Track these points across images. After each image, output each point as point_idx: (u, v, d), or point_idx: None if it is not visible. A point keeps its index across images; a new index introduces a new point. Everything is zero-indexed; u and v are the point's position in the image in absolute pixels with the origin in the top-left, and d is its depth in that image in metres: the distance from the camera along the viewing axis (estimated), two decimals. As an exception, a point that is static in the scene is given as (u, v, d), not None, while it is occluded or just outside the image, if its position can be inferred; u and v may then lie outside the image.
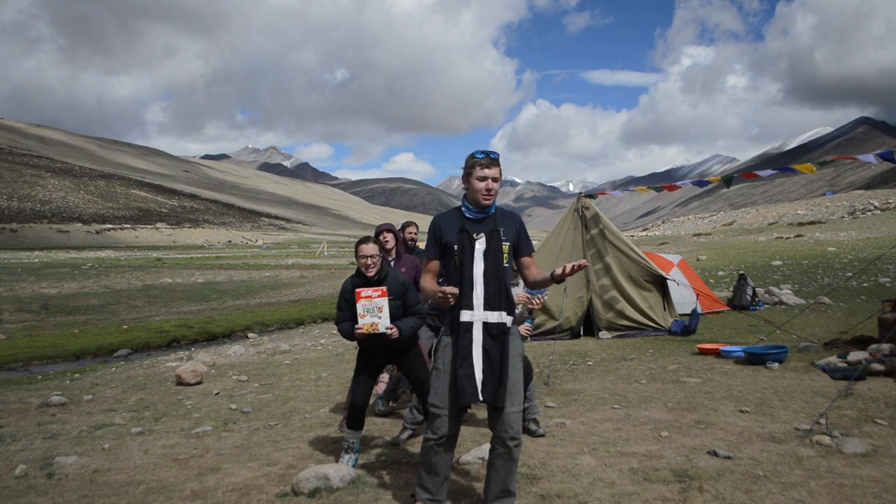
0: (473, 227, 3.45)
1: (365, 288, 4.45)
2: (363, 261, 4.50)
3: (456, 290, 3.31)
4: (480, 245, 3.42)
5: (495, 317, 3.39)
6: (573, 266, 3.32)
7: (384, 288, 4.46)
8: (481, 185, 3.38)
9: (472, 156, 3.41)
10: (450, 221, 3.51)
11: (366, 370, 4.69)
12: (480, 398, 3.33)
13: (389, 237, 5.77)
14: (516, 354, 3.49)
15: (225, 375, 8.83)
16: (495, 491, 3.46)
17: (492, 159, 3.39)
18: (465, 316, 3.38)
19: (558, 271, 3.36)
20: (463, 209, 3.51)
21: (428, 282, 3.55)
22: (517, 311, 4.95)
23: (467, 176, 3.42)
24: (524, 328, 5.56)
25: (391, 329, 4.43)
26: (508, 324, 3.43)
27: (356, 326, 4.44)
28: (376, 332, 4.40)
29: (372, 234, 5.48)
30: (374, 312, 4.40)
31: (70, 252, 61.74)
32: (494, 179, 3.39)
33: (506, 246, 3.45)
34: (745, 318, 11.43)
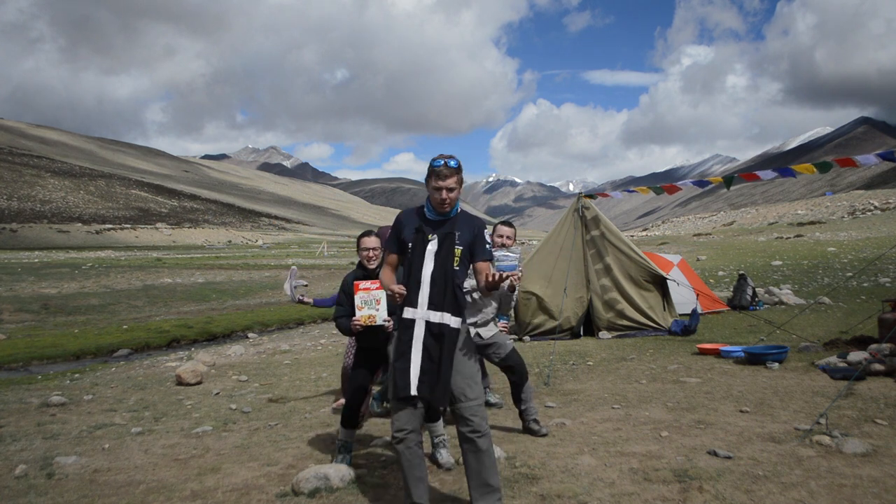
0: (430, 227, 3.52)
1: (363, 280, 4.46)
2: (365, 253, 4.66)
3: (404, 291, 3.42)
4: (432, 246, 3.48)
5: (437, 317, 3.43)
6: (507, 275, 3.34)
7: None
8: (437, 195, 3.46)
9: (432, 163, 3.45)
10: (410, 219, 3.58)
11: (363, 367, 4.68)
12: (413, 392, 3.35)
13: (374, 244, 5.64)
14: (469, 350, 3.55)
15: (225, 375, 8.83)
16: (475, 487, 3.43)
17: (451, 169, 3.43)
18: (407, 313, 3.45)
19: (491, 278, 3.35)
20: (425, 209, 3.57)
21: (386, 275, 3.66)
22: (503, 288, 4.92)
23: (427, 181, 3.49)
24: (501, 324, 5.49)
25: (388, 321, 4.39)
26: (452, 325, 3.46)
27: (353, 319, 4.43)
28: (374, 324, 4.37)
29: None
30: (372, 305, 4.38)
31: (70, 252, 61.73)
32: (450, 189, 3.44)
33: (458, 249, 3.49)
34: (745, 318, 11.43)
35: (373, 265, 4.67)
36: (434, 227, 3.52)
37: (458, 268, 3.51)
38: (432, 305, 3.43)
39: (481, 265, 3.57)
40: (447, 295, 3.45)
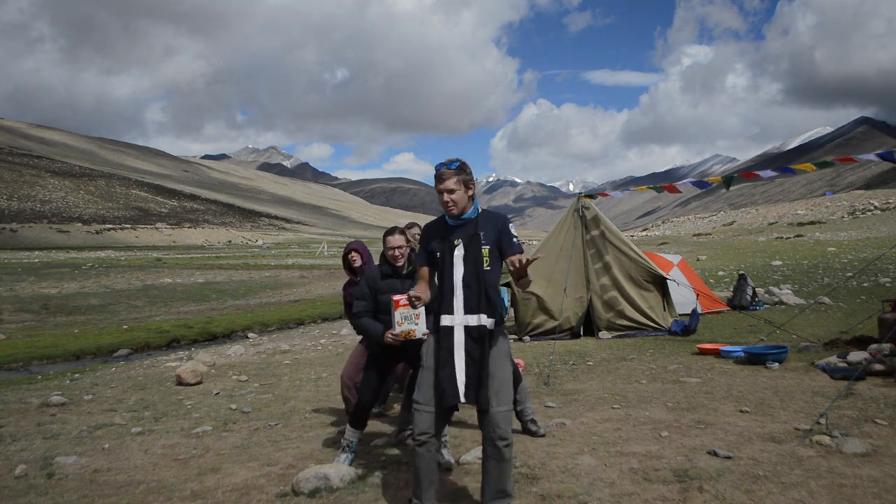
0: (454, 233, 3.54)
1: (401, 296, 4.16)
2: (391, 252, 4.47)
3: (420, 295, 3.48)
4: (459, 251, 3.50)
5: (475, 320, 3.46)
6: (527, 259, 3.36)
7: (422, 295, 4.32)
8: (440, 197, 3.51)
9: (435, 167, 3.50)
10: (435, 229, 3.62)
11: (377, 368, 4.56)
12: (463, 400, 3.38)
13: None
14: (502, 354, 3.53)
15: (225, 375, 8.83)
16: (491, 492, 3.47)
17: (450, 170, 3.46)
18: (445, 320, 3.47)
19: (517, 263, 3.39)
20: (445, 217, 3.60)
21: (421, 289, 3.65)
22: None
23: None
24: None
25: (427, 334, 4.12)
26: (489, 326, 3.49)
27: (391, 332, 4.19)
28: (412, 338, 4.18)
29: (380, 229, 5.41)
30: (412, 320, 4.17)
31: (70, 252, 61.73)
32: (450, 191, 3.45)
33: (486, 250, 3.50)
34: (745, 318, 11.43)
35: (400, 263, 4.48)
36: (457, 232, 3.53)
37: (488, 268, 3.49)
38: (468, 310, 3.46)
39: (513, 259, 3.56)
40: (481, 297, 3.47)
